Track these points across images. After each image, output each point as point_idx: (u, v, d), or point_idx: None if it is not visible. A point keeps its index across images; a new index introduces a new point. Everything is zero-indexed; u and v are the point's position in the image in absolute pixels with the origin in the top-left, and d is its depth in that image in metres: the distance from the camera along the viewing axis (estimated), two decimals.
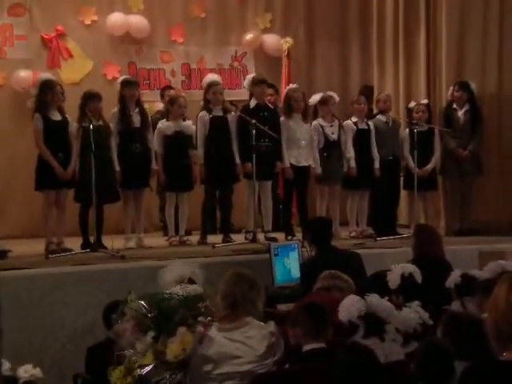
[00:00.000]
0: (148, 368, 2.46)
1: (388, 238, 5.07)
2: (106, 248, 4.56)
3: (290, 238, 5.03)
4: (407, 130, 5.53)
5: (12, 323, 3.61)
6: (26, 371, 2.35)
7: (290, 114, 5.17)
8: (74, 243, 4.70)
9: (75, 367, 3.26)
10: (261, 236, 4.91)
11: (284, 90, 5.72)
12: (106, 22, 6.15)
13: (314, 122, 5.24)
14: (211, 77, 5.23)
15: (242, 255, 4.42)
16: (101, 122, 4.68)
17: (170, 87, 5.99)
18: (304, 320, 2.49)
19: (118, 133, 4.83)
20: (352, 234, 5.40)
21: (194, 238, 5.16)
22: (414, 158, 5.23)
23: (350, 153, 5.30)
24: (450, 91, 5.63)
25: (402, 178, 5.60)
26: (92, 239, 4.63)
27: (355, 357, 2.08)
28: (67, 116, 4.68)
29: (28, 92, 5.50)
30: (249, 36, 6.51)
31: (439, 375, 1.96)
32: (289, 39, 6.41)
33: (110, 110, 4.90)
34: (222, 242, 4.91)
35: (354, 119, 5.42)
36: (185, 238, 5.08)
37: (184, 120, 5.02)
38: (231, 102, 5.25)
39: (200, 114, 5.03)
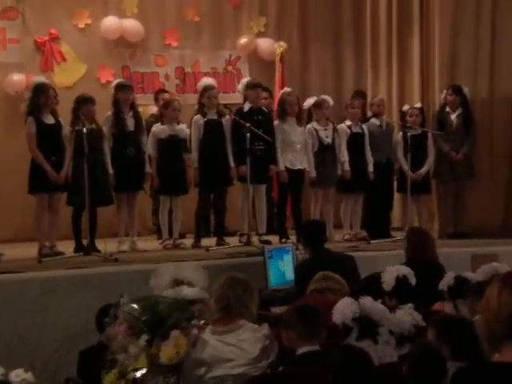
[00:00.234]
0: (142, 371, 2.45)
1: (381, 241, 5.08)
2: (99, 251, 4.55)
3: (284, 240, 5.03)
4: (401, 133, 5.56)
5: (4, 327, 3.60)
6: (17, 375, 2.33)
7: (285, 118, 5.18)
8: (67, 247, 4.68)
9: (67, 371, 3.23)
10: (255, 239, 4.91)
11: (278, 94, 5.74)
12: (100, 25, 6.14)
13: (309, 126, 5.26)
14: (206, 80, 5.24)
15: (236, 258, 4.42)
16: (94, 126, 4.68)
17: (164, 91, 5.99)
18: (298, 323, 2.49)
19: (112, 136, 4.82)
20: (346, 237, 5.41)
21: (188, 241, 5.15)
22: (407, 161, 5.26)
23: (344, 156, 5.31)
24: (443, 95, 5.66)
25: (395, 182, 5.63)
26: (85, 242, 4.61)
27: (349, 359, 2.08)
28: (60, 120, 4.67)
29: (21, 96, 5.48)
30: (243, 40, 6.53)
31: (431, 377, 1.97)
32: (282, 43, 6.44)
33: (103, 113, 4.89)
34: (216, 245, 4.91)
35: (348, 123, 5.44)
36: (179, 242, 5.07)
37: (178, 123, 5.02)
38: (225, 106, 5.27)
39: (194, 117, 5.03)
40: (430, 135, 5.54)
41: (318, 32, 6.70)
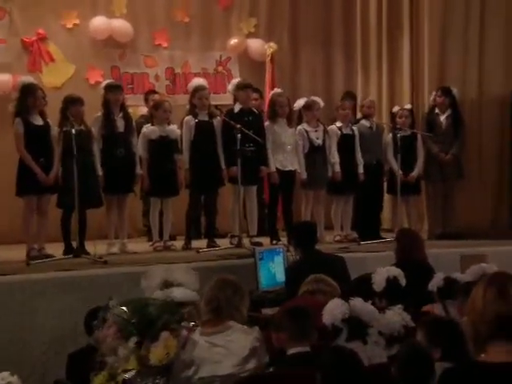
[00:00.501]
0: (132, 372, 2.43)
1: (372, 242, 5.09)
2: (88, 254, 4.52)
3: (275, 242, 5.03)
4: (390, 134, 5.59)
5: None
6: (2, 379, 2.30)
7: (275, 119, 5.18)
8: (56, 249, 4.64)
9: (56, 373, 3.21)
10: (246, 241, 4.90)
11: (268, 95, 5.74)
12: (89, 25, 6.11)
13: (299, 127, 5.26)
14: (197, 81, 5.22)
15: (227, 260, 4.41)
16: (82, 127, 4.64)
17: (154, 91, 5.97)
18: (289, 324, 2.49)
19: (102, 137, 4.79)
20: (336, 238, 5.43)
21: (179, 243, 5.13)
22: (397, 162, 5.28)
23: (335, 158, 5.33)
24: (433, 96, 5.70)
25: (385, 183, 5.65)
26: (74, 245, 4.58)
27: (339, 360, 2.08)
28: (49, 121, 4.63)
29: (8, 96, 5.43)
30: (233, 41, 6.52)
31: (420, 377, 1.97)
32: (272, 44, 6.44)
33: (92, 114, 4.86)
34: (207, 247, 4.89)
35: (339, 124, 5.45)
36: (169, 243, 5.05)
37: (169, 124, 5.00)
38: (216, 107, 5.24)
39: (186, 118, 5.01)
40: (419, 136, 5.57)
41: (309, 33, 6.71)
